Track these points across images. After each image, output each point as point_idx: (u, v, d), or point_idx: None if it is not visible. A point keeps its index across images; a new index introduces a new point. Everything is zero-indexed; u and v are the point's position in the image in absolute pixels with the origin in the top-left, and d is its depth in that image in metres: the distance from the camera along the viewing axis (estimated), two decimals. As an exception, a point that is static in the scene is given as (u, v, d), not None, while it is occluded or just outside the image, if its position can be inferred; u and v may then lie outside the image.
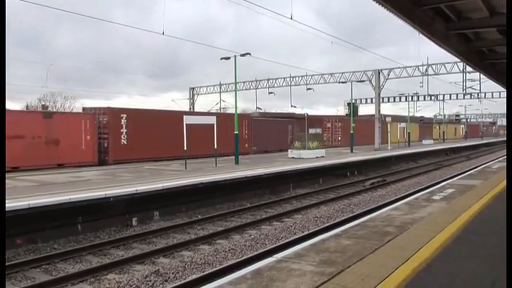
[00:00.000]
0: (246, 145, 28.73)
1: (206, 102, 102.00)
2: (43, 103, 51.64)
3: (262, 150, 29.07)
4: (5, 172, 3.88)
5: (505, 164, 19.33)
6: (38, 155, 17.36)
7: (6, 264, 8.09)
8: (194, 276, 7.30)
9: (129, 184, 12.63)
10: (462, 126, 79.32)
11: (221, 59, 21.38)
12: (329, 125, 41.00)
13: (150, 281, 7.26)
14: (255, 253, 8.47)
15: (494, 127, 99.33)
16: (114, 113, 21.10)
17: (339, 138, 40.25)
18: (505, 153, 34.63)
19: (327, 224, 11.03)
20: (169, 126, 21.38)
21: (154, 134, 21.00)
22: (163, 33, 19.05)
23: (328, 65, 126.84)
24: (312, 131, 37.17)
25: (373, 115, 37.33)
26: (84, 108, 22.46)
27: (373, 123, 36.90)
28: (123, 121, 21.17)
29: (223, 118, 23.81)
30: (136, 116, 21.80)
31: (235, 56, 20.72)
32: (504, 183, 11.90)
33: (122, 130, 21.11)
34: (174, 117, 21.24)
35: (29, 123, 17.60)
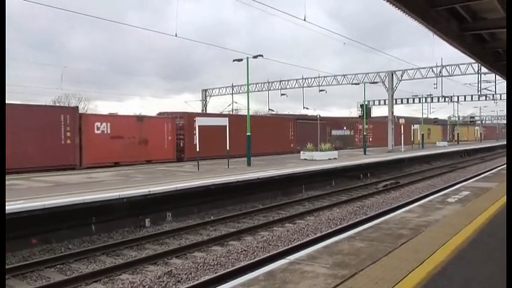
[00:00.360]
0: (292, 145, 32.01)
1: (218, 104, 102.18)
2: (57, 105, 52.32)
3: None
4: (5, 172, 3.94)
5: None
6: (133, 153, 20.51)
7: (22, 263, 8.23)
8: (207, 277, 7.31)
9: (142, 185, 12.71)
10: (477, 128, 78.23)
11: (233, 60, 21.47)
12: (361, 126, 42.60)
13: (163, 281, 7.29)
14: (268, 255, 8.45)
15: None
16: (189, 117, 23.93)
17: (370, 139, 41.92)
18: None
19: (340, 226, 10.97)
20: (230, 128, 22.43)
21: (218, 135, 21.65)
22: (176, 35, 19.16)
23: (341, 66, 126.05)
24: (342, 132, 38.25)
25: (386, 117, 37.07)
26: (160, 113, 24.68)
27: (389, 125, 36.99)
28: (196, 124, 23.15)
29: (257, 120, 26.17)
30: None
31: (247, 58, 20.77)
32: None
33: (195, 132, 22.58)
34: (235, 120, 23.61)
35: (126, 126, 20.69)
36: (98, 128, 19.36)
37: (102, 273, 7.79)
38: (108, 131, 19.78)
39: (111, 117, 21.04)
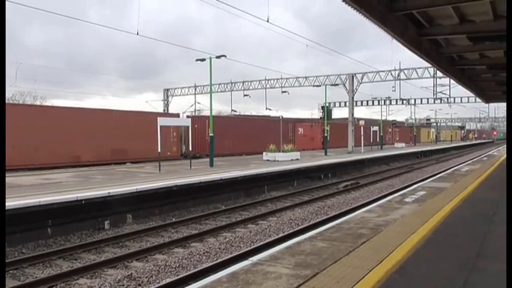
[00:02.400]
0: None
1: (181, 104, 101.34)
2: (11, 102, 50.14)
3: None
4: (5, 172, 3.80)
5: (474, 167, 19.89)
6: (309, 144, 38.65)
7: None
8: (168, 280, 7.20)
9: (102, 186, 12.39)
10: (433, 130, 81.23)
11: (196, 60, 21.29)
12: (390, 130, 60.17)
13: (123, 285, 7.13)
14: (230, 256, 8.42)
15: (462, 131, 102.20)
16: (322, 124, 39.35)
17: (397, 138, 58.83)
18: (474, 157, 35.68)
19: (301, 227, 11.08)
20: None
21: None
22: (137, 34, 18.77)
23: (306, 67, 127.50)
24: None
25: (347, 118, 37.85)
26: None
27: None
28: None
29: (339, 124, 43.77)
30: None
31: (210, 58, 20.64)
32: (472, 186, 12.24)
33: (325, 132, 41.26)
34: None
35: (306, 129, 41.47)
36: (299, 131, 40.21)
37: (58, 278, 7.52)
38: (302, 132, 40.65)
39: (304, 124, 42.31)
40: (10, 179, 14.61)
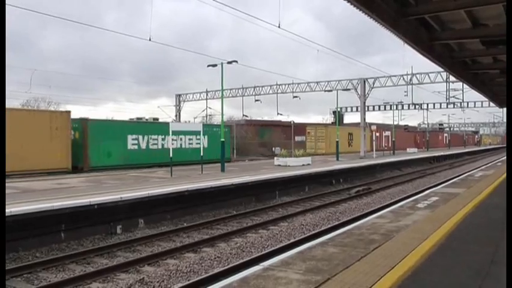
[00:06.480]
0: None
1: (194, 109, 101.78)
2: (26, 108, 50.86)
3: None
4: (5, 173, 3.90)
5: (488, 172, 19.63)
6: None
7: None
8: (179, 285, 7.23)
9: (114, 191, 12.49)
10: (446, 135, 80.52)
11: (208, 66, 21.40)
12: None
13: (135, 289, 7.17)
14: (241, 261, 8.42)
15: (476, 136, 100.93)
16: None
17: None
18: (487, 162, 35.24)
19: (313, 232, 11.04)
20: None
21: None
22: (150, 39, 18.95)
23: (319, 71, 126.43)
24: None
25: (359, 123, 37.67)
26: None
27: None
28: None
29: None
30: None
31: (222, 64, 20.74)
32: (486, 192, 12.08)
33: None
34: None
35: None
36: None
37: (71, 281, 7.59)
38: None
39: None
40: (25, 184, 14.80)
